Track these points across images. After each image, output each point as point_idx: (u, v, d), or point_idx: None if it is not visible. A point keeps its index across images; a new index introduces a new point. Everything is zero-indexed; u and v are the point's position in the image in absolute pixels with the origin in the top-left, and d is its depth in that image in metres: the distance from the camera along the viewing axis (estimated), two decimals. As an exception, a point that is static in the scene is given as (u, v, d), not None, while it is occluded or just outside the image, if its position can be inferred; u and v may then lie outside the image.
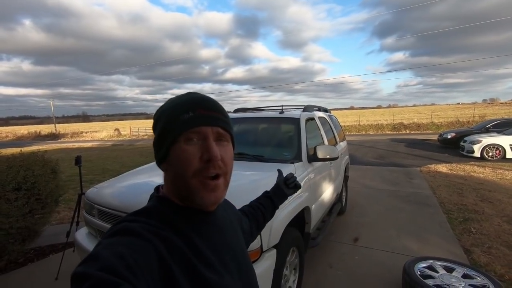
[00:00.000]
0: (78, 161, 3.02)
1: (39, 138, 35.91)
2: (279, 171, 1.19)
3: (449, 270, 2.41)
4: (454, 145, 11.60)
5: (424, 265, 2.49)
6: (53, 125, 47.49)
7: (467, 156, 9.61)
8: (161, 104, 0.66)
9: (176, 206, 0.60)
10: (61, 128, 47.65)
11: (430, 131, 21.29)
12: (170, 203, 0.61)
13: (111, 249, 0.45)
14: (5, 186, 2.77)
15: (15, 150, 4.19)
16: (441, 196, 5.25)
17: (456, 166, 7.97)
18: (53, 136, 35.72)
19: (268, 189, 1.10)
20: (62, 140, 32.41)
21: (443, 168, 7.78)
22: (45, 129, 44.52)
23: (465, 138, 10.26)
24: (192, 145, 0.57)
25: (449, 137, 12.10)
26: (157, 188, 0.66)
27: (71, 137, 34.58)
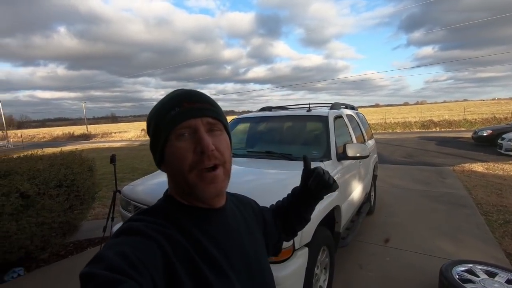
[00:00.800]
0: (112, 159, 3.16)
1: (72, 138, 38.06)
2: (305, 159, 0.82)
3: (491, 274, 2.27)
4: (490, 143, 10.88)
5: (463, 268, 2.37)
6: (84, 126, 50.10)
7: (506, 155, 8.99)
8: None
9: (180, 204, 0.60)
10: (92, 128, 50.15)
11: (463, 129, 20.17)
12: (174, 202, 0.61)
13: (115, 249, 0.46)
14: (49, 183, 2.96)
15: (56, 149, 4.46)
16: (478, 196, 4.96)
17: (494, 165, 7.48)
18: (85, 137, 37.70)
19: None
20: (93, 140, 34.11)
21: (478, 167, 7.34)
22: (77, 130, 47.07)
23: (504, 136, 9.60)
24: (184, 140, 0.56)
25: (484, 134, 11.39)
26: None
27: (101, 137, 36.28)
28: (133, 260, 0.44)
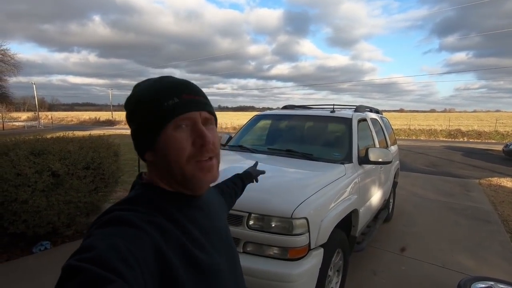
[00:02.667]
0: (137, 146, 3.29)
1: (98, 123, 39.61)
2: (256, 164, 1.35)
3: (513, 294, 2.18)
4: (522, 158, 10.32)
5: (483, 285, 2.28)
6: (110, 112, 51.90)
7: (539, 172, 8.49)
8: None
9: (163, 191, 0.60)
10: (116, 115, 51.87)
11: (493, 141, 19.17)
12: (156, 189, 0.60)
13: (106, 240, 0.44)
14: (77, 165, 3.12)
15: (82, 133, 4.68)
16: (504, 213, 4.73)
17: (525, 182, 7.09)
18: (110, 123, 39.12)
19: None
20: (117, 126, 35.30)
21: (507, 182, 6.97)
22: (103, 115, 48.85)
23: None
24: (182, 131, 0.57)
25: (517, 148, 10.79)
26: (140, 175, 0.64)
27: (125, 124, 37.32)
28: (125, 254, 0.43)
